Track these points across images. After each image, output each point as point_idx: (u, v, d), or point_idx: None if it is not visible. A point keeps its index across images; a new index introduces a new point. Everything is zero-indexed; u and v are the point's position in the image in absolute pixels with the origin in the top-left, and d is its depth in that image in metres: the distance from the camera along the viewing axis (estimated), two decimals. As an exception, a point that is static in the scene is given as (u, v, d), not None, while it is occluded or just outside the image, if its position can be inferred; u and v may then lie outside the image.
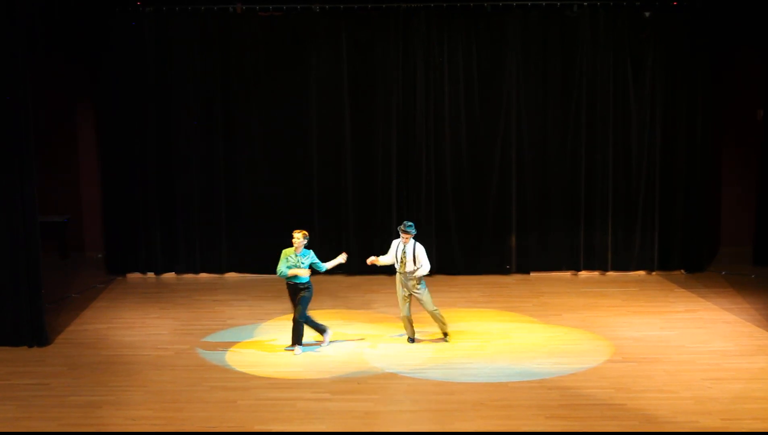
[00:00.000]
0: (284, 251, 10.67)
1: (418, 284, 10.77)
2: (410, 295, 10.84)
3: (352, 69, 14.22)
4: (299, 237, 10.59)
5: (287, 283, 10.74)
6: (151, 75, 14.22)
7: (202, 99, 14.32)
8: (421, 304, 10.89)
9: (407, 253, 10.72)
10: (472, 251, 14.57)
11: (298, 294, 10.66)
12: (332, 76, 14.23)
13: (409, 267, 10.71)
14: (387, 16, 14.07)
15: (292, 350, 10.76)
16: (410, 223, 10.81)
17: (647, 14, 14.02)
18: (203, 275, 14.61)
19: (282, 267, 10.57)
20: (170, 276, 14.65)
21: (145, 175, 14.42)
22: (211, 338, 11.28)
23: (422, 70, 14.17)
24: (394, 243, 10.94)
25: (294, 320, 10.73)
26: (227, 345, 11.06)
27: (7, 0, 10.48)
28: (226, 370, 10.19)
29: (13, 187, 10.72)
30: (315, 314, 12.06)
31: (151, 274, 14.66)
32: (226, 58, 14.25)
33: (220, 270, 14.66)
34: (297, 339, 10.75)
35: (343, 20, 14.09)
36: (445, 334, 11.11)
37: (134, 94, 14.26)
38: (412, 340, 11.06)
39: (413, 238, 10.79)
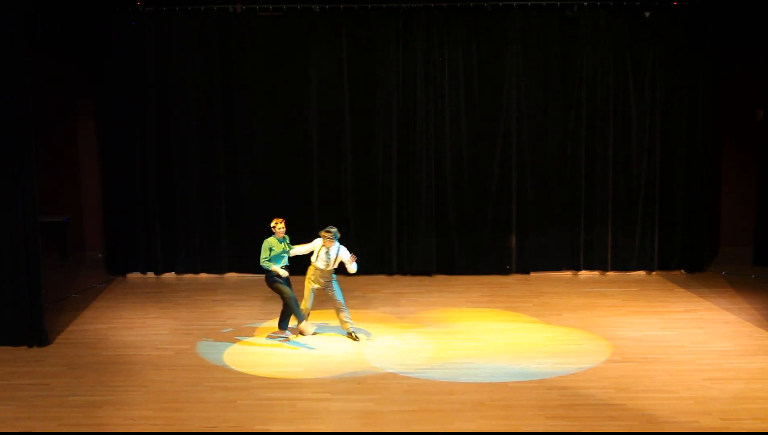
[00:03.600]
0: (269, 241, 11.05)
1: (332, 282, 11.16)
2: (320, 289, 11.17)
3: (352, 69, 14.22)
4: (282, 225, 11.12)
5: (275, 276, 10.98)
6: (151, 75, 14.21)
7: (202, 99, 14.31)
8: (335, 296, 11.15)
9: (330, 255, 11.00)
10: (472, 251, 14.57)
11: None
12: (332, 76, 14.23)
13: (331, 267, 11.11)
14: (387, 16, 14.07)
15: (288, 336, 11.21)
16: (334, 229, 11.04)
17: (647, 14, 14.03)
18: (203, 275, 14.62)
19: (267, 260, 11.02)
20: (170, 276, 14.65)
21: (145, 175, 14.42)
22: (211, 338, 11.28)
23: (422, 70, 14.17)
24: (317, 242, 11.09)
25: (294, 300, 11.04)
26: (227, 344, 11.07)
27: (6, 0, 10.48)
28: (226, 370, 10.19)
29: (13, 186, 10.71)
30: (315, 314, 12.05)
31: (151, 274, 14.66)
32: (226, 58, 14.24)
33: (220, 270, 14.66)
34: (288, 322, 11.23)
35: (343, 20, 14.09)
36: (351, 334, 11.26)
37: (134, 94, 14.25)
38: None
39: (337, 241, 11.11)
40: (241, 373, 10.08)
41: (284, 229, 11.07)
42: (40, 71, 13.25)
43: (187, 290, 13.76)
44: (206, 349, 10.88)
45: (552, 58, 14.20)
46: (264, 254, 10.98)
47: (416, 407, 9.14)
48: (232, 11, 14.07)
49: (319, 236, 11.05)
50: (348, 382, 9.83)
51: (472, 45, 14.15)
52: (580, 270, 14.58)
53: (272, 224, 11.07)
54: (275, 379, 9.92)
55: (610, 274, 14.52)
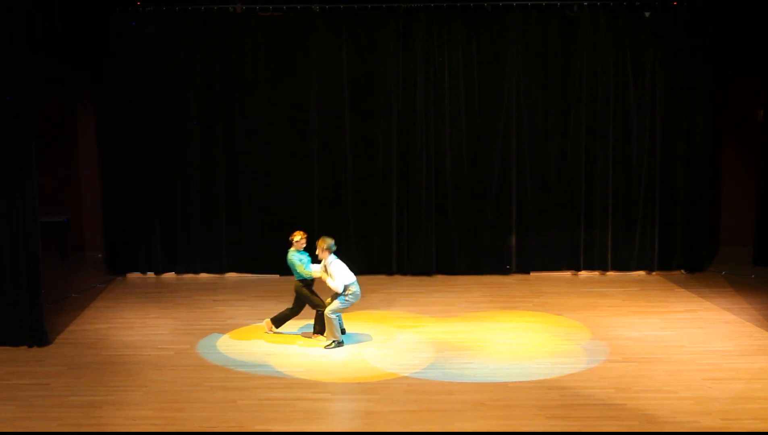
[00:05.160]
0: (295, 254, 10.99)
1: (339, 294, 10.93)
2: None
3: (352, 69, 14.23)
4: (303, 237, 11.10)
5: (308, 281, 11.12)
6: (151, 75, 14.22)
7: (202, 99, 14.32)
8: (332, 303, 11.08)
9: (325, 266, 10.94)
10: (472, 251, 14.57)
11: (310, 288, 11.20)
12: (332, 76, 14.24)
13: (329, 281, 10.89)
14: (387, 16, 14.07)
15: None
16: (330, 241, 10.91)
17: (647, 14, 14.03)
18: (203, 275, 14.62)
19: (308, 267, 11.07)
20: (170, 276, 14.66)
21: (145, 176, 14.42)
22: (211, 338, 11.29)
23: (422, 70, 14.17)
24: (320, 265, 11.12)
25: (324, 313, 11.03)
26: (227, 345, 11.07)
27: (6, 0, 10.49)
28: (226, 370, 10.19)
29: (13, 187, 10.71)
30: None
31: (151, 274, 14.66)
32: (226, 58, 14.25)
33: (220, 270, 14.67)
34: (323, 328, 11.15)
35: (343, 20, 14.09)
36: (321, 333, 11.22)
37: (134, 95, 14.26)
38: (343, 331, 11.26)
39: (333, 253, 10.91)
40: (241, 373, 10.08)
41: (305, 243, 11.05)
42: (40, 71, 13.24)
43: (187, 290, 13.77)
44: (206, 349, 10.88)
45: (552, 58, 14.20)
46: (299, 265, 10.96)
47: (416, 407, 9.13)
48: (232, 11, 14.08)
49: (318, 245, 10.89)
50: (348, 382, 9.83)
51: (472, 45, 14.15)
52: (580, 270, 14.58)
53: (297, 238, 11.00)
54: (275, 379, 9.92)
55: (610, 274, 14.53)
